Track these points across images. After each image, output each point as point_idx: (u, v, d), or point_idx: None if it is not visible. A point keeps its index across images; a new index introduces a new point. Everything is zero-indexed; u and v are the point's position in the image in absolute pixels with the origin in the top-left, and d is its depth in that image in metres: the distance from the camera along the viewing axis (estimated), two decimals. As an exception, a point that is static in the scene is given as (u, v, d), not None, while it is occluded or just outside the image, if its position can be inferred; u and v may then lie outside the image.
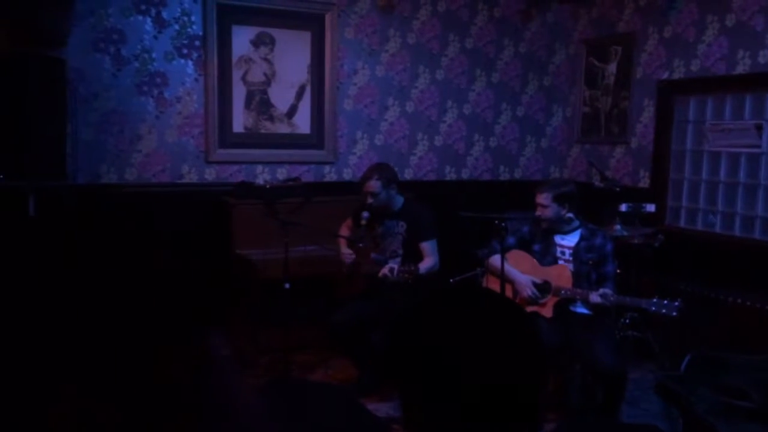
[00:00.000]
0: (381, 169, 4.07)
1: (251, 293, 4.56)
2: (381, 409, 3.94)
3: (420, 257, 4.04)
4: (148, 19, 4.72)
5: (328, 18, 5.21)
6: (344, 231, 4.35)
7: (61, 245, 4.32)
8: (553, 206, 3.73)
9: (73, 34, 4.52)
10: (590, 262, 3.73)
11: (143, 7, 4.70)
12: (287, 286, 4.00)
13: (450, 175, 5.88)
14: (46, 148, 4.04)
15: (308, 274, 4.45)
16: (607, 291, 3.53)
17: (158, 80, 4.77)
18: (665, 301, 3.37)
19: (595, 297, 3.51)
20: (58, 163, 4.15)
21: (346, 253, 4.17)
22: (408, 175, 5.68)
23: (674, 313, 3.33)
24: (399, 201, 4.15)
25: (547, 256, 3.85)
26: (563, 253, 3.83)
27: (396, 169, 5.53)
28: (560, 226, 3.81)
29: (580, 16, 6.07)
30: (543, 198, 3.76)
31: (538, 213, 3.79)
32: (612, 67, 5.73)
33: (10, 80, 3.90)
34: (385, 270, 3.89)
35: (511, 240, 3.94)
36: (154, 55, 4.75)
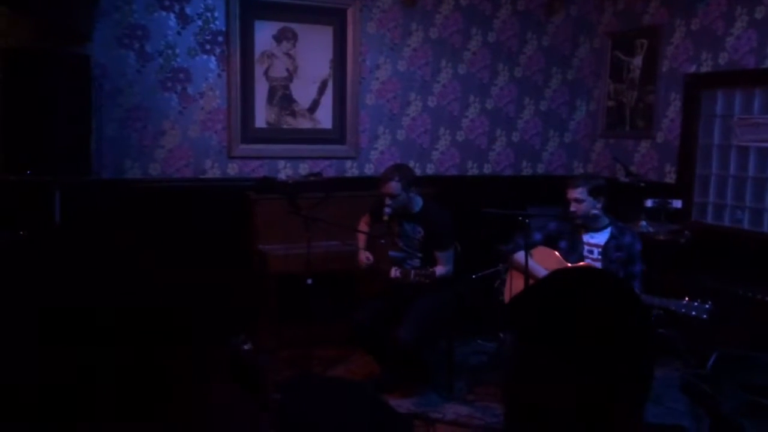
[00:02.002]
0: (400, 171, 4.04)
1: (272, 288, 4.57)
2: (402, 405, 3.94)
3: (436, 260, 4.03)
4: (172, 15, 4.75)
5: (350, 13, 5.20)
6: (362, 227, 4.34)
7: (88, 239, 4.37)
8: (589, 200, 3.70)
9: (98, 30, 4.56)
10: (619, 261, 3.69)
11: (167, 3, 4.72)
12: (309, 281, 4.01)
13: (472, 170, 5.84)
14: (71, 143, 4.09)
15: (330, 270, 4.46)
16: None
17: (181, 76, 4.80)
18: (695, 303, 3.30)
19: None
20: (83, 158, 4.20)
21: (363, 257, 4.17)
22: (430, 170, 5.66)
23: (704, 316, 3.27)
24: (418, 203, 4.12)
25: (573, 253, 3.81)
26: (591, 251, 3.78)
27: (418, 164, 5.57)
28: (592, 223, 3.77)
29: (604, 9, 5.99)
30: (578, 192, 3.71)
31: (572, 209, 3.73)
32: (637, 61, 5.65)
33: (36, 76, 3.95)
34: (396, 272, 3.88)
35: (537, 236, 3.91)
36: (177, 50, 4.78)
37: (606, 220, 3.80)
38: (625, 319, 1.15)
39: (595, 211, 3.72)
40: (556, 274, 1.32)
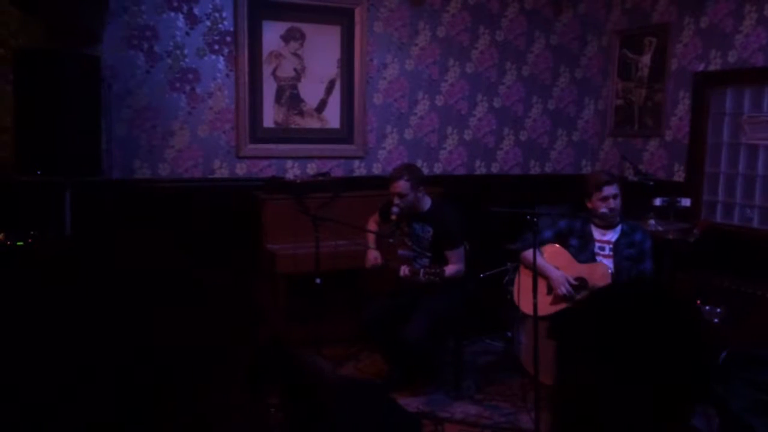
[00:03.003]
0: (410, 170, 4.05)
1: (281, 287, 4.59)
2: (411, 403, 3.95)
3: (446, 260, 4.03)
4: (180, 16, 4.77)
5: (357, 12, 5.21)
6: (371, 226, 4.35)
7: (97, 239, 4.40)
8: (620, 195, 3.75)
9: (107, 31, 4.59)
10: (630, 258, 3.69)
11: (175, 4, 4.74)
12: (318, 281, 4.02)
13: (480, 169, 5.84)
14: (81, 143, 4.11)
15: (338, 269, 4.48)
16: None
17: (190, 76, 4.82)
18: (707, 307, 3.28)
19: None
20: (93, 158, 4.22)
21: (372, 256, 4.17)
22: (437, 169, 5.66)
23: (716, 320, 3.25)
24: (427, 202, 4.13)
25: (584, 251, 3.80)
26: (602, 248, 3.78)
27: (425, 163, 5.57)
28: (614, 219, 3.78)
29: (612, 7, 5.98)
30: (616, 188, 3.75)
31: (613, 206, 3.74)
32: (646, 59, 5.63)
33: (46, 77, 3.97)
34: (405, 271, 3.89)
35: (547, 233, 3.91)
36: (186, 51, 4.80)
37: (618, 218, 3.81)
38: (680, 334, 1.15)
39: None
40: (613, 287, 1.32)
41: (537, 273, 3.62)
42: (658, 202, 4.59)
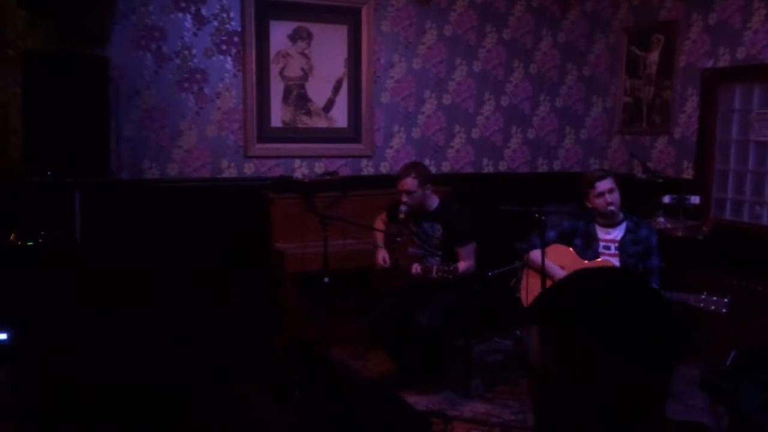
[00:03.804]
0: (417, 168, 4.06)
1: (289, 287, 4.60)
2: (420, 402, 3.95)
3: (457, 257, 4.03)
4: (188, 16, 4.78)
5: (364, 11, 5.21)
6: (378, 225, 4.35)
7: (107, 239, 4.42)
8: (617, 189, 3.72)
9: (115, 32, 4.61)
10: (636, 255, 3.67)
11: (183, 5, 4.76)
12: (326, 280, 4.02)
13: (487, 167, 5.84)
14: (90, 144, 4.14)
15: (346, 268, 4.48)
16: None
17: (198, 76, 4.84)
18: (714, 298, 3.28)
19: None
20: (102, 159, 4.25)
21: (380, 258, 4.17)
22: (445, 168, 5.66)
23: (724, 310, 3.25)
24: (434, 201, 4.13)
25: (588, 250, 3.79)
26: (608, 247, 3.76)
27: (433, 161, 5.57)
28: (616, 216, 3.76)
29: (620, 4, 5.96)
30: (611, 182, 3.72)
31: (610, 201, 3.70)
32: (654, 56, 5.61)
33: (56, 78, 3.99)
34: (417, 269, 3.89)
35: (551, 234, 3.89)
36: (194, 51, 4.81)
37: (621, 215, 3.79)
38: (645, 315, 1.17)
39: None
40: (578, 274, 1.33)
41: (544, 273, 3.61)
42: (666, 199, 4.57)
